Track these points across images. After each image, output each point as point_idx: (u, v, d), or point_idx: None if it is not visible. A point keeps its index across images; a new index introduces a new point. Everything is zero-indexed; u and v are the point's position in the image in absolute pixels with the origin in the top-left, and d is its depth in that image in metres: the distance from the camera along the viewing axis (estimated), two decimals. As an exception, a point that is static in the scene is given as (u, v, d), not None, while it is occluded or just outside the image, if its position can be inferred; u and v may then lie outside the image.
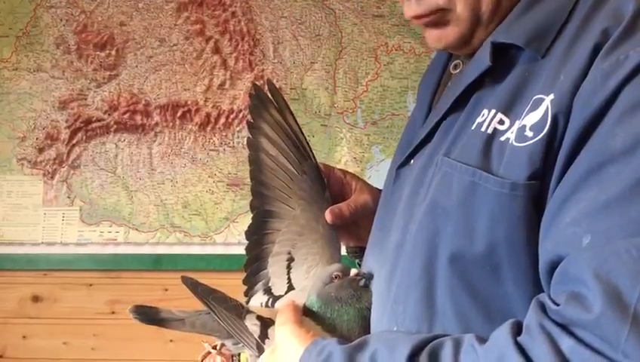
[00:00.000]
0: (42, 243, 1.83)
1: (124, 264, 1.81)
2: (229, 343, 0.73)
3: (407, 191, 0.67)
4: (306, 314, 0.69)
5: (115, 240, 1.81)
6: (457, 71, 0.71)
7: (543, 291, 0.54)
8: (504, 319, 0.53)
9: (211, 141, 1.83)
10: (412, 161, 0.70)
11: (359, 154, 1.80)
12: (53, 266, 1.83)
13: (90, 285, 1.83)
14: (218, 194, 1.81)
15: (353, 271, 0.72)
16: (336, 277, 0.72)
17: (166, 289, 1.81)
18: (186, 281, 0.73)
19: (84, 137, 1.84)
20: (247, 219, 1.91)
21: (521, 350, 0.48)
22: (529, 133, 0.55)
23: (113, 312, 1.82)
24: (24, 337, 1.83)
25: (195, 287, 0.73)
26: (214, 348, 0.72)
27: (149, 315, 0.72)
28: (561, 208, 0.52)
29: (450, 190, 0.59)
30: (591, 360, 0.45)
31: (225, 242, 1.79)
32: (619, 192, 0.48)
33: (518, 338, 0.49)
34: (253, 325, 0.68)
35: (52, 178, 1.84)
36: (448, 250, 0.58)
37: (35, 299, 1.84)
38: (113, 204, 1.83)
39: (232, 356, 0.71)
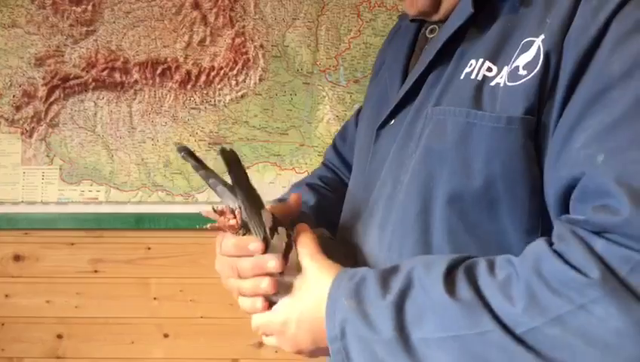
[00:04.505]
0: (22, 202, 1.81)
1: (106, 223, 1.80)
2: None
3: (395, 146, 0.69)
4: None
5: (97, 199, 1.80)
6: (434, 34, 0.74)
7: (538, 222, 0.59)
8: (499, 252, 0.57)
9: (192, 99, 1.81)
10: (393, 121, 0.72)
11: (341, 112, 1.79)
12: (35, 225, 1.82)
13: (72, 244, 1.83)
14: (200, 153, 1.79)
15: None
16: (318, 237, 0.74)
17: (149, 248, 1.82)
18: (224, 152, 0.71)
19: (61, 95, 1.81)
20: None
21: (558, 254, 0.51)
22: (522, 72, 0.58)
23: (96, 271, 1.83)
24: (6, 296, 1.84)
25: (233, 163, 0.72)
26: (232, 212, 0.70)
27: (193, 156, 0.70)
28: (569, 137, 0.55)
29: (444, 134, 0.62)
30: (624, 255, 0.48)
31: (207, 201, 1.79)
32: (623, 111, 0.52)
33: (553, 247, 0.52)
34: (267, 218, 0.69)
35: (30, 136, 1.82)
36: (446, 191, 0.61)
37: (17, 258, 1.83)
38: (93, 163, 1.81)
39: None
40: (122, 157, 1.81)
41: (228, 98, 1.80)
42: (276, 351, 1.81)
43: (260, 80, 1.81)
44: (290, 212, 0.77)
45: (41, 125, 1.81)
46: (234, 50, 1.80)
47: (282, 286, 0.68)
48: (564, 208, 0.56)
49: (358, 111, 1.03)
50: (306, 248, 0.67)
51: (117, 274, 1.83)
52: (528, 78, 0.57)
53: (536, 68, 0.57)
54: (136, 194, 1.80)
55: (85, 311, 1.83)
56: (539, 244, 0.54)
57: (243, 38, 1.80)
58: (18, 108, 1.82)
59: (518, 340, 0.50)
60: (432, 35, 0.75)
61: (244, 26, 1.81)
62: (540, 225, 0.59)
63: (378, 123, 0.74)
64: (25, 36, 1.82)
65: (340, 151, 1.03)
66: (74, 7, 1.81)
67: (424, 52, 0.73)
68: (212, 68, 1.81)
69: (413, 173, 0.65)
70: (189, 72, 1.81)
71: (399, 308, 0.56)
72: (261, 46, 1.81)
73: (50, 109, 1.81)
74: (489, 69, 0.61)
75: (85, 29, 1.81)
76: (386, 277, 0.59)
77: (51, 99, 1.81)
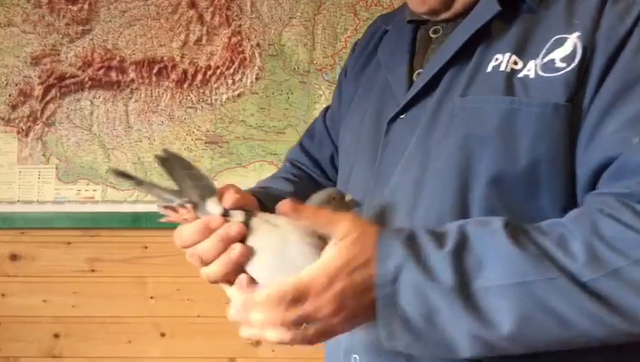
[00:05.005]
0: (19, 201, 1.81)
1: (102, 222, 1.80)
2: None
3: (417, 136, 0.72)
4: None
5: (93, 198, 1.80)
6: (439, 35, 0.79)
7: (572, 200, 0.64)
8: None
9: (188, 98, 1.81)
10: (404, 115, 0.75)
11: (338, 111, 1.80)
12: (31, 225, 1.81)
13: (69, 243, 1.83)
14: (196, 152, 1.80)
15: (348, 196, 0.74)
16: (334, 199, 0.72)
17: (145, 247, 1.82)
18: (157, 157, 0.67)
19: (58, 94, 1.81)
20: (226, 177, 1.91)
21: (611, 216, 0.58)
22: (561, 65, 0.65)
23: (93, 270, 1.83)
24: (3, 295, 1.84)
25: (165, 162, 0.67)
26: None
27: (127, 176, 0.66)
28: (600, 122, 0.62)
29: (483, 120, 0.67)
30: None
31: (204, 200, 1.79)
32: None
33: (605, 211, 0.58)
34: (215, 206, 0.67)
35: (26, 135, 1.81)
36: (488, 173, 0.65)
37: (13, 257, 1.83)
38: (90, 162, 1.81)
39: None
40: (119, 157, 1.81)
41: (224, 97, 1.80)
42: (273, 350, 1.81)
43: (257, 79, 1.81)
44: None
45: (38, 124, 1.81)
46: (230, 49, 1.80)
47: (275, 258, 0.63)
48: (594, 186, 0.63)
49: (325, 111, 1.06)
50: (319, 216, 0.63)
51: (114, 274, 1.83)
52: (568, 69, 0.64)
53: (574, 61, 0.64)
54: (132, 193, 1.80)
55: (82, 311, 1.83)
56: (588, 211, 0.60)
57: (239, 37, 1.80)
58: (14, 108, 1.81)
59: (582, 288, 0.55)
60: (436, 35, 0.79)
61: (240, 25, 1.81)
62: (573, 203, 0.64)
63: (388, 117, 0.77)
64: (21, 35, 1.81)
65: (307, 150, 1.05)
66: (70, 6, 1.81)
67: (438, 49, 0.76)
68: (208, 67, 1.81)
69: (447, 158, 0.68)
70: (185, 71, 1.81)
71: (458, 258, 0.58)
72: (257, 45, 1.81)
73: (47, 108, 1.81)
74: (515, 63, 0.67)
75: (81, 27, 1.81)
76: (434, 234, 0.61)
77: (47, 98, 1.81)
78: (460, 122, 0.68)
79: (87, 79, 1.81)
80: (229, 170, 1.80)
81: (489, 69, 0.69)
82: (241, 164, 1.80)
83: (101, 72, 1.81)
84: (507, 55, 0.68)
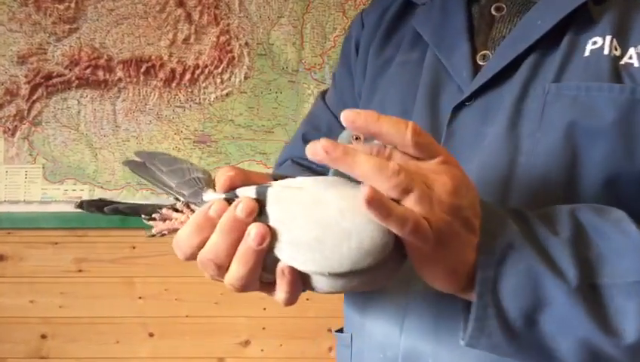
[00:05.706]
0: (5, 201, 1.80)
1: (90, 222, 1.79)
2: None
3: (499, 126, 0.63)
4: None
5: (80, 198, 1.79)
6: (503, 12, 0.70)
7: None
8: None
9: (177, 97, 1.80)
10: (470, 102, 0.66)
11: (327, 110, 1.80)
12: (18, 225, 1.80)
13: (56, 243, 1.82)
14: (185, 152, 1.80)
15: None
16: (356, 138, 0.55)
17: (133, 247, 1.81)
18: (136, 160, 0.58)
19: (44, 93, 1.80)
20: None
21: None
22: None
23: (80, 270, 1.82)
24: (-11, 296, 1.82)
25: (139, 169, 0.58)
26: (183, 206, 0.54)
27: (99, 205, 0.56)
28: None
29: (593, 111, 0.59)
30: None
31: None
32: None
33: None
34: (213, 194, 0.54)
35: (13, 135, 1.80)
36: (603, 173, 0.58)
37: (0, 257, 1.82)
38: (77, 162, 1.80)
39: None
40: (106, 156, 1.80)
41: (213, 96, 1.80)
42: (262, 350, 1.81)
43: (245, 78, 1.80)
44: None
45: (24, 123, 1.80)
46: (219, 48, 1.80)
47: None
48: None
49: (323, 99, 0.92)
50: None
51: (101, 274, 1.82)
52: None
53: None
54: (120, 193, 1.79)
55: (69, 311, 1.82)
56: None
57: (228, 36, 1.80)
58: (0, 107, 1.80)
59: None
60: (500, 13, 0.70)
61: (228, 24, 1.80)
62: None
63: (450, 103, 0.67)
64: (7, 34, 1.80)
65: None
66: (57, 5, 1.80)
67: (512, 30, 0.68)
68: (197, 66, 1.80)
69: (545, 152, 0.60)
70: (173, 70, 1.80)
71: (577, 247, 0.49)
72: (246, 44, 1.80)
73: (33, 107, 1.80)
74: (616, 48, 0.61)
75: (68, 26, 1.80)
76: (541, 215, 0.52)
77: (34, 97, 1.80)
78: (558, 111, 0.60)
79: (74, 78, 1.80)
80: (218, 170, 1.79)
81: (587, 53, 0.61)
82: (230, 164, 1.79)
83: (88, 70, 1.80)
84: (608, 38, 0.61)
